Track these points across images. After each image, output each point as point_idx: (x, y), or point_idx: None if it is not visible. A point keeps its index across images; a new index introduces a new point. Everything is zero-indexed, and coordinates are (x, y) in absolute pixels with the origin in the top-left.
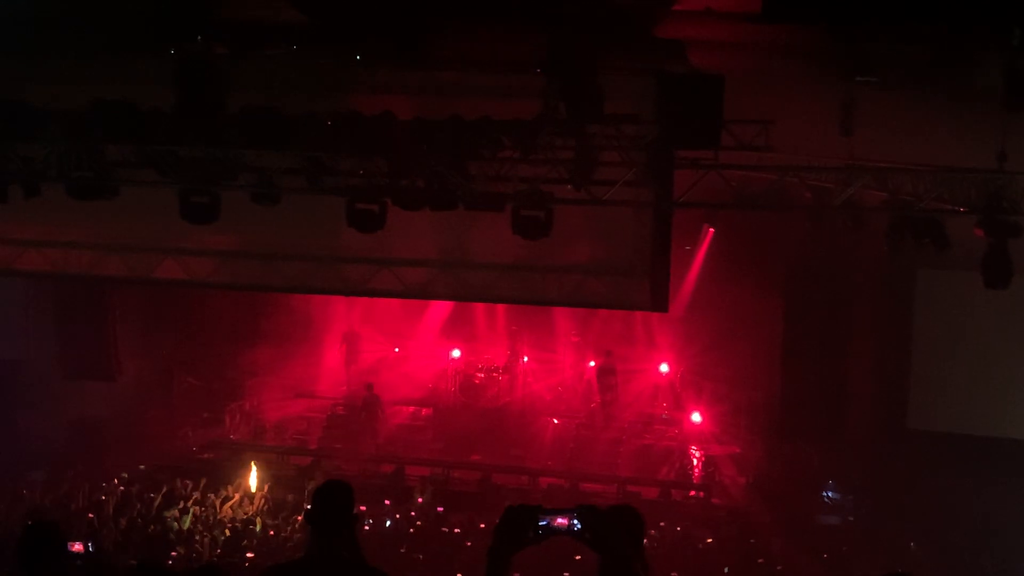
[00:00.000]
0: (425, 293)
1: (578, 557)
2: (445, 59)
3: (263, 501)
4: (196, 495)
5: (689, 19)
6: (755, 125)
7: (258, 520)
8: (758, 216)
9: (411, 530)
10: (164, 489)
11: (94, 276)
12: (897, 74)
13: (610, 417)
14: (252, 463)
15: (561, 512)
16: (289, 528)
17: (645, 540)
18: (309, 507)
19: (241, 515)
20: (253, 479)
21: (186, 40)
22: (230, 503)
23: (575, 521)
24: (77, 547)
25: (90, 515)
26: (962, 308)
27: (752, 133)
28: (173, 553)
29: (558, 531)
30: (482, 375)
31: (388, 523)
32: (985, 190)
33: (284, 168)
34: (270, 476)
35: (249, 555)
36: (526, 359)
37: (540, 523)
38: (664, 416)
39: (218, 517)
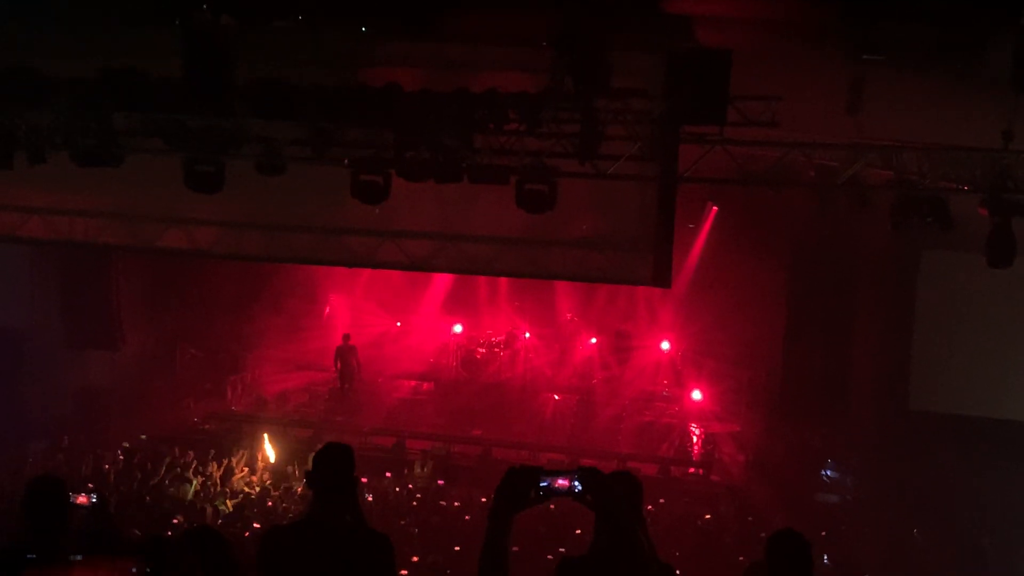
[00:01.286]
0: (429, 266)
1: (578, 531)
2: (453, 32)
3: (264, 472)
4: (196, 465)
5: None
6: (762, 102)
7: (259, 490)
8: (762, 195)
9: (413, 503)
10: (166, 459)
11: (98, 244)
12: (905, 53)
13: (613, 392)
14: (265, 435)
15: (562, 473)
16: (290, 499)
17: (644, 514)
18: (310, 470)
19: (242, 486)
20: (269, 451)
21: (193, 10)
22: (236, 476)
23: (576, 483)
24: (81, 499)
25: (90, 485)
26: (965, 289)
27: (759, 110)
28: (174, 521)
29: (559, 492)
30: (483, 350)
31: (388, 496)
32: (990, 169)
33: (289, 139)
34: (271, 448)
35: (256, 525)
36: (528, 335)
37: (541, 484)
38: (665, 393)
39: (220, 488)
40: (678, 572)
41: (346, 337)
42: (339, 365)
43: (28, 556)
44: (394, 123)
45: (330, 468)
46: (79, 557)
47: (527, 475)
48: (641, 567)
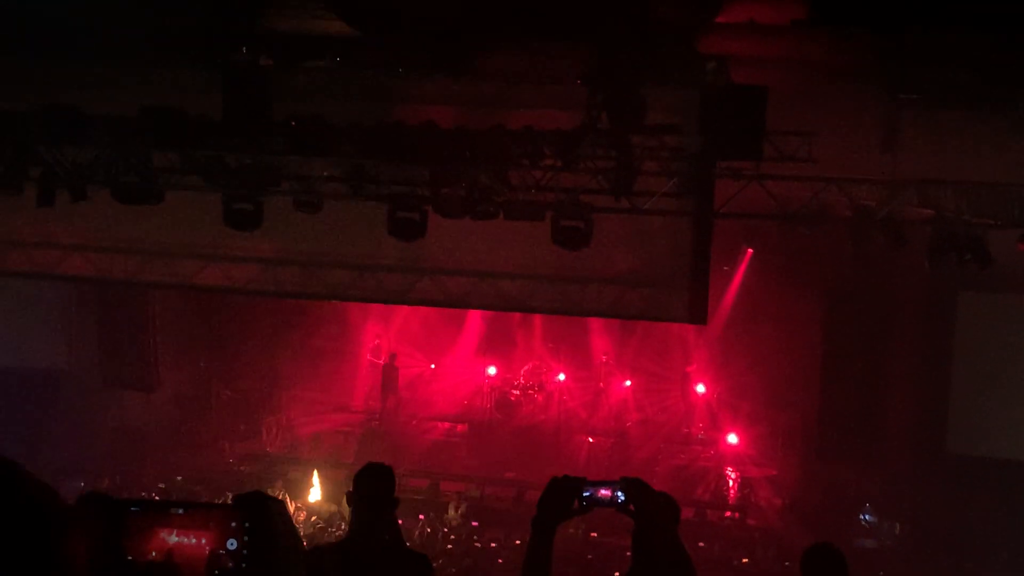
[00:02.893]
0: (465, 303)
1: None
2: (488, 71)
3: (299, 512)
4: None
5: (732, 33)
6: (797, 137)
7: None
8: (798, 236)
9: (448, 547)
10: (202, 500)
11: (137, 281)
12: (940, 92)
13: (648, 435)
14: (315, 472)
15: (605, 484)
16: (325, 539)
17: None
18: (351, 489)
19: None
20: (316, 490)
21: (233, 51)
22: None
23: (619, 493)
24: None
25: None
26: (1003, 331)
27: (795, 145)
28: None
29: (602, 502)
30: (517, 392)
31: (421, 538)
32: None
33: (327, 176)
34: (306, 489)
35: None
36: (562, 377)
37: (584, 494)
38: (700, 436)
39: None
40: None
41: (392, 356)
42: (383, 383)
43: (131, 508)
44: (430, 160)
45: (371, 487)
46: (180, 510)
47: (570, 485)
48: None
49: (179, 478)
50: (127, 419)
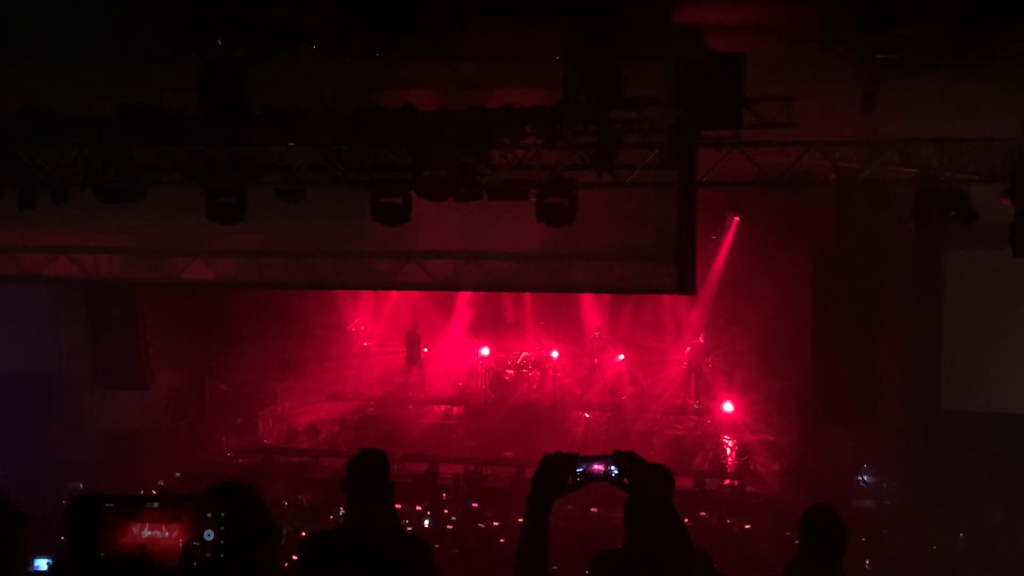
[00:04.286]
0: (452, 285)
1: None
2: (465, 52)
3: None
4: None
5: (706, 1)
6: (777, 103)
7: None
8: (784, 202)
9: (448, 527)
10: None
11: (123, 280)
12: (918, 49)
13: (643, 407)
14: None
15: (598, 458)
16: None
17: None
18: (345, 476)
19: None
20: None
21: (207, 45)
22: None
23: (612, 467)
24: None
25: None
26: (991, 286)
27: (774, 111)
28: None
29: (596, 477)
30: (512, 372)
31: (425, 522)
32: (1009, 159)
33: (308, 165)
34: (304, 479)
35: (294, 557)
36: (555, 354)
37: (578, 469)
38: (696, 406)
39: None
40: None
41: (414, 325)
42: (407, 349)
43: (106, 504)
44: (411, 144)
45: (365, 473)
46: (155, 504)
47: (564, 461)
48: (677, 549)
49: (177, 474)
50: (122, 419)
